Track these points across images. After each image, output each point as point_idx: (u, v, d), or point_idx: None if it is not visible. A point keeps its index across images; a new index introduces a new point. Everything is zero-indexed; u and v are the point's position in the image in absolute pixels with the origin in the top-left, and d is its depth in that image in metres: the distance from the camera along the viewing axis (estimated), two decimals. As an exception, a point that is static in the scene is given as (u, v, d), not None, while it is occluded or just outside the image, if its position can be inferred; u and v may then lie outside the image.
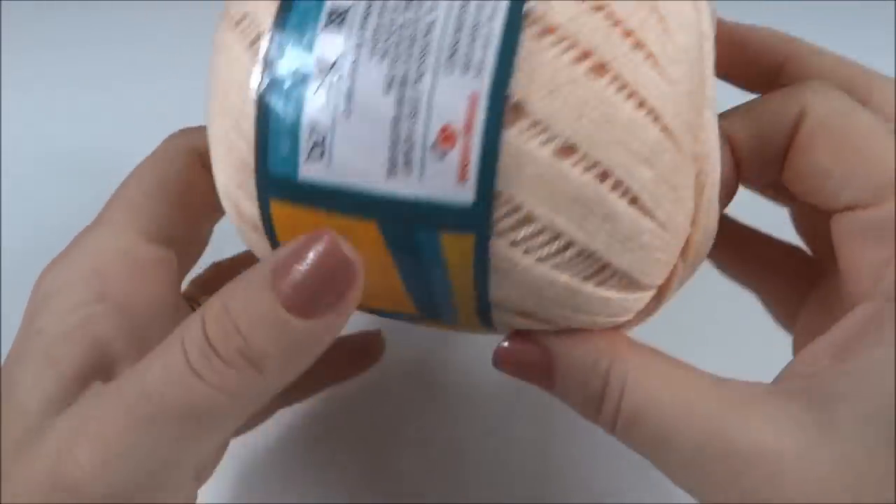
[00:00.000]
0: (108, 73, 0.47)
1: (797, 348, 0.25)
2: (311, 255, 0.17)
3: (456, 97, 0.16)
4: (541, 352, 0.20)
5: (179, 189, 0.23)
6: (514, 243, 0.17)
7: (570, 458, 0.31)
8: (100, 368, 0.20)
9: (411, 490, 0.31)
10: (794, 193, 0.22)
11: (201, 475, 0.22)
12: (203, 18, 0.31)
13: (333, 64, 0.17)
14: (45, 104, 0.45)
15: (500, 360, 0.20)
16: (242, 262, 0.26)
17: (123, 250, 0.22)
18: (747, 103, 0.22)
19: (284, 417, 0.32)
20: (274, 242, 0.18)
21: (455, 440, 0.32)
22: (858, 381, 0.18)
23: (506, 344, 0.20)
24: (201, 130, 0.22)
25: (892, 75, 0.30)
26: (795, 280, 0.26)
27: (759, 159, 0.22)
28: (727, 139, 0.22)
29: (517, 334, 0.20)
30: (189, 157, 0.24)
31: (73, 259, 0.22)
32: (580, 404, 0.20)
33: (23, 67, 0.48)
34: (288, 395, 0.29)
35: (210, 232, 0.26)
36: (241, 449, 0.32)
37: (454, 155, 0.16)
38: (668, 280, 0.20)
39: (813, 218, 0.25)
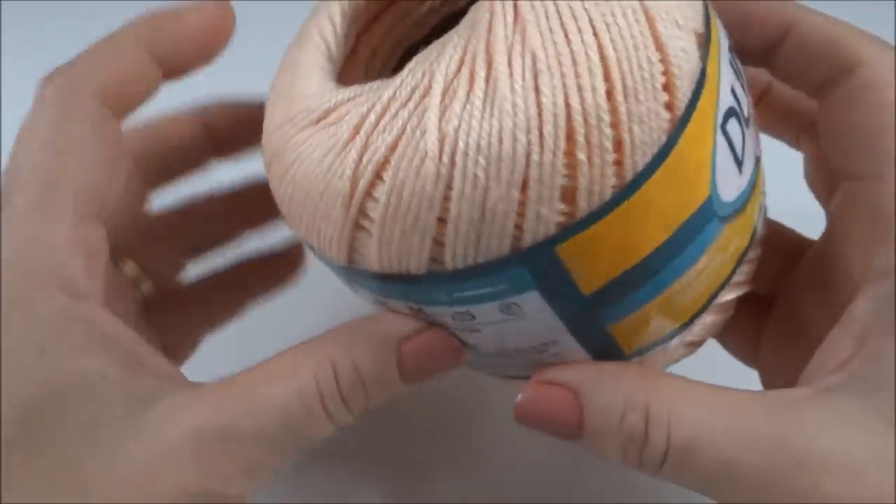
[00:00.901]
0: None
1: (765, 381, 0.26)
2: (435, 344, 0.20)
3: None
4: (568, 394, 0.20)
5: (92, 147, 0.21)
6: None
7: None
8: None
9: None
10: (821, 140, 0.22)
11: None
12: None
13: None
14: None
15: (525, 410, 0.20)
16: None
17: (73, 240, 0.20)
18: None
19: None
20: None
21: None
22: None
23: (528, 392, 0.20)
24: (88, 63, 0.22)
25: None
26: (748, 320, 0.26)
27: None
28: None
29: (539, 380, 0.20)
30: (91, 105, 0.21)
31: (9, 261, 0.20)
32: (618, 446, 0.19)
33: (23, 67, 0.44)
34: (213, 320, 0.29)
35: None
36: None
37: None
38: None
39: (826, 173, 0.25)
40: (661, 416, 0.19)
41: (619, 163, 0.17)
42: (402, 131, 0.17)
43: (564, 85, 0.17)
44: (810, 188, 0.26)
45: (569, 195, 0.17)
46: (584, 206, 0.17)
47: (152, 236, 0.27)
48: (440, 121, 0.17)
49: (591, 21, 0.17)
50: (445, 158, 0.17)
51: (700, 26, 0.19)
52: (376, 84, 0.18)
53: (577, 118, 0.17)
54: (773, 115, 0.26)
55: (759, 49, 0.23)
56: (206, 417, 0.19)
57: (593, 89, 0.17)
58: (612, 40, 0.17)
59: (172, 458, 0.19)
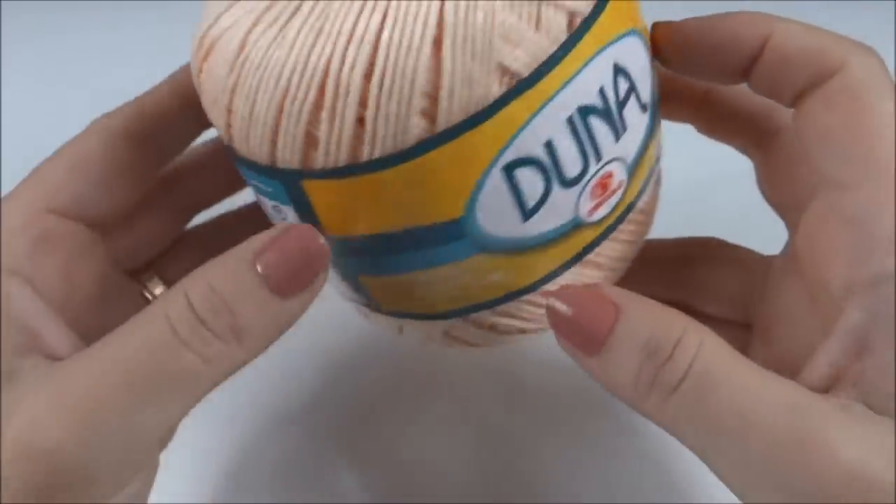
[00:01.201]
0: (108, 73, 0.45)
1: None
2: (289, 241, 0.20)
3: None
4: (611, 307, 0.19)
5: (99, 169, 0.24)
6: None
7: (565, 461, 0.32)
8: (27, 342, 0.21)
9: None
10: (798, 145, 0.22)
11: (164, 441, 0.23)
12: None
13: None
14: (45, 103, 0.44)
15: (559, 307, 0.20)
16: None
17: (24, 225, 0.22)
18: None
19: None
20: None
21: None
22: None
23: (574, 291, 0.20)
24: (123, 111, 0.25)
25: (893, 75, 0.29)
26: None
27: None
28: None
29: (589, 286, 0.20)
30: (110, 138, 0.24)
31: None
32: (636, 361, 0.19)
33: (23, 67, 0.48)
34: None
35: (156, 220, 0.27)
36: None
37: None
38: None
39: (782, 179, 0.25)
40: (692, 341, 0.18)
41: (358, 139, 0.19)
42: (225, 31, 0.20)
43: (334, 49, 0.18)
44: (765, 198, 0.26)
45: (311, 142, 0.19)
46: (321, 159, 0.19)
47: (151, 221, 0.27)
48: (247, 33, 0.20)
49: (385, 10, 0.18)
50: (240, 60, 0.20)
51: (524, 70, 0.18)
52: None
53: (331, 82, 0.18)
54: (717, 119, 0.26)
55: (739, 67, 0.22)
56: (63, 379, 0.19)
57: (353, 65, 0.18)
58: (392, 32, 0.18)
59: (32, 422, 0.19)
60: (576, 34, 0.19)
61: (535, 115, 0.19)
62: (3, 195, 0.24)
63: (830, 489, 0.17)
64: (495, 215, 0.20)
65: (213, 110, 0.21)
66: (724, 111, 0.25)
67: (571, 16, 0.19)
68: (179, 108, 0.25)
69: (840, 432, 0.17)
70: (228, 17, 0.20)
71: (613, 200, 0.21)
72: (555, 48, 0.18)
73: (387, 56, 0.18)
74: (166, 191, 0.27)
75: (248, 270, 0.20)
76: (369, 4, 0.18)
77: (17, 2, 0.51)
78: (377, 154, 0.19)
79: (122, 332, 0.20)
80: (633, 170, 0.22)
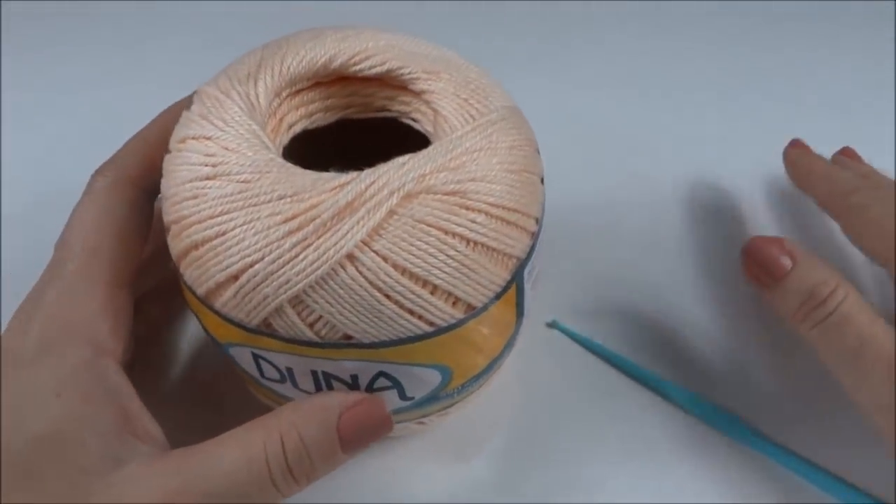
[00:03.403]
0: (108, 74, 0.47)
1: None
2: (365, 411, 0.24)
3: None
4: (788, 258, 0.27)
5: (133, 228, 0.26)
6: None
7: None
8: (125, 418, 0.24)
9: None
10: None
11: None
12: (203, 21, 0.30)
13: None
14: (45, 104, 0.45)
15: (756, 246, 0.28)
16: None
17: (104, 305, 0.25)
18: None
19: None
20: None
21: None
22: None
23: (763, 239, 0.28)
24: (129, 157, 0.27)
25: (892, 75, 0.30)
26: None
27: None
28: None
29: (776, 240, 0.28)
30: (132, 192, 0.27)
31: (54, 315, 0.24)
32: (797, 299, 0.27)
33: (23, 67, 0.48)
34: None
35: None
36: None
37: None
38: None
39: None
40: (840, 294, 0.27)
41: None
42: None
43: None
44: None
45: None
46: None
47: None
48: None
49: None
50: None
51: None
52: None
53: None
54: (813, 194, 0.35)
55: None
56: (165, 478, 0.23)
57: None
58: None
59: None
60: (348, 346, 0.23)
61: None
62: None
63: None
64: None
65: None
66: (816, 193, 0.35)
67: (348, 337, 0.23)
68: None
69: None
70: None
71: None
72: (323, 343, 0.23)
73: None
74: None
75: (332, 430, 0.24)
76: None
77: (19, 2, 0.52)
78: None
79: (231, 448, 0.23)
80: None
